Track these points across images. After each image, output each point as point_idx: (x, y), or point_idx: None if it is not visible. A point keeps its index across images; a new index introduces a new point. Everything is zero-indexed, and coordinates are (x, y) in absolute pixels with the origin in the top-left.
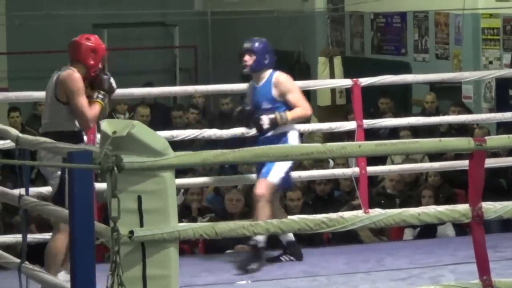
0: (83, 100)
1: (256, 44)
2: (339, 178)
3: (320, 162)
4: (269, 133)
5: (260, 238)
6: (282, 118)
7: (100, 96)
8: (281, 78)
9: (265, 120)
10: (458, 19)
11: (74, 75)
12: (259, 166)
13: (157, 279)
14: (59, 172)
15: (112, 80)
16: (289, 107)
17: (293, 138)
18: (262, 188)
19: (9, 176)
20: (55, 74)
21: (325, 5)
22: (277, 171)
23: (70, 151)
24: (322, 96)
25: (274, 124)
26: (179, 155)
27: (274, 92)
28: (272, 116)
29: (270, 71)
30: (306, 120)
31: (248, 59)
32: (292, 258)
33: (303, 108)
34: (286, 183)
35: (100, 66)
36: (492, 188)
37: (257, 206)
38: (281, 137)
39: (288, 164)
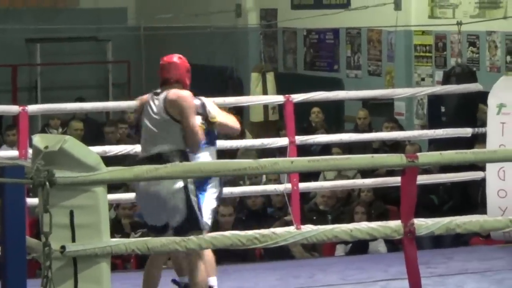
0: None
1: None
2: (271, 194)
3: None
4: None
5: (213, 282)
6: None
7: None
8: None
9: None
10: (391, 36)
11: (185, 94)
12: None
13: None
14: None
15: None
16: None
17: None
18: None
19: None
20: (154, 96)
21: (258, 21)
22: None
23: (1, 165)
24: (255, 112)
25: None
26: (111, 170)
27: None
28: None
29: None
30: (240, 135)
31: None
32: None
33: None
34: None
35: None
36: (423, 205)
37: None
38: None
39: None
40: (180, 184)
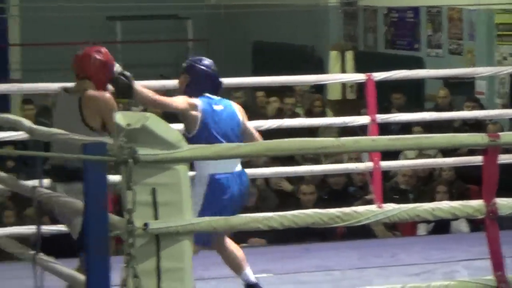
0: None
1: (189, 64)
2: (352, 173)
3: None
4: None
5: (249, 277)
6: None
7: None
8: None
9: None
10: (472, 15)
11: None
12: None
13: (171, 272)
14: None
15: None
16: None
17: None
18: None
19: (22, 168)
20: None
21: (339, 0)
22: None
23: (84, 143)
24: (332, 90)
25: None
26: (192, 148)
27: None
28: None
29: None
30: (321, 113)
31: (180, 80)
32: None
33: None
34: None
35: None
36: (505, 184)
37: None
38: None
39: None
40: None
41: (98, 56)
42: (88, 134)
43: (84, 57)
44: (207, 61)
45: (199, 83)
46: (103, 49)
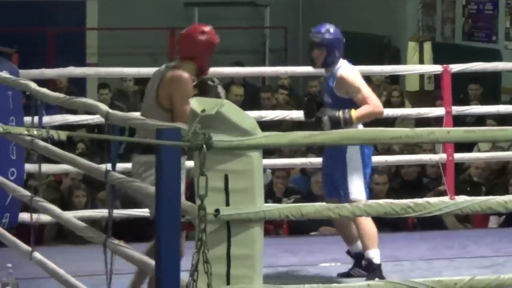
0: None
1: (326, 37)
2: (426, 164)
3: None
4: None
5: (373, 254)
6: (345, 119)
7: None
8: (344, 74)
9: (326, 122)
10: None
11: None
12: (329, 186)
13: (241, 258)
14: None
15: (220, 89)
16: (356, 104)
17: (353, 148)
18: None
19: (97, 152)
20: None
21: None
22: (355, 187)
23: (158, 127)
24: (410, 81)
25: (336, 125)
26: (267, 135)
27: (337, 89)
28: (335, 116)
29: (338, 63)
30: (400, 104)
31: (318, 55)
32: (363, 272)
33: (372, 105)
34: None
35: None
36: None
37: (358, 229)
38: (340, 149)
39: (359, 174)
40: None
41: (202, 37)
42: (160, 114)
43: (189, 37)
44: (333, 28)
45: (337, 51)
46: (207, 29)
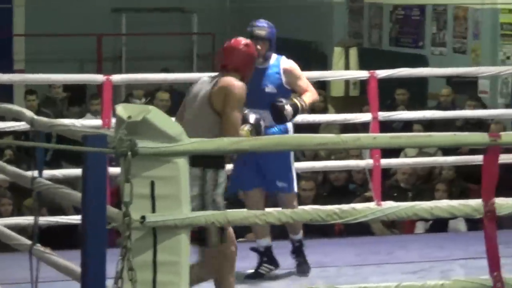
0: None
1: (269, 31)
2: (352, 170)
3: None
4: (274, 128)
5: (262, 243)
6: (302, 106)
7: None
8: (292, 64)
9: (289, 111)
10: (477, 14)
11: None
12: (266, 177)
13: (167, 265)
14: None
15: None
16: (294, 92)
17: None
18: (294, 204)
19: (23, 158)
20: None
21: None
22: (295, 181)
23: (84, 134)
24: (335, 87)
25: (296, 112)
26: (193, 141)
27: (285, 79)
28: (294, 104)
29: (274, 55)
30: (323, 110)
31: (261, 47)
32: (271, 267)
33: (314, 92)
34: None
35: None
36: (505, 184)
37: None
38: (284, 131)
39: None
40: None
41: (246, 49)
42: (211, 115)
43: (233, 50)
44: (270, 23)
45: (274, 44)
46: (249, 41)
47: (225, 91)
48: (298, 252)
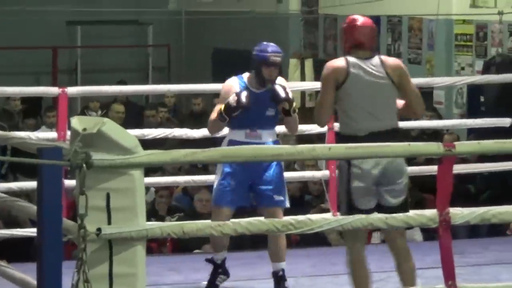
0: None
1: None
2: (308, 181)
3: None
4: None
5: (220, 256)
6: (295, 110)
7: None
8: (286, 83)
9: (279, 88)
10: (432, 25)
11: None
12: (263, 193)
13: (123, 277)
14: None
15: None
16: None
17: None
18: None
19: None
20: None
21: (299, 7)
22: (287, 195)
23: (39, 147)
24: None
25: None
26: (148, 153)
27: None
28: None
29: None
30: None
31: (275, 73)
32: (225, 277)
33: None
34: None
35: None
36: (460, 194)
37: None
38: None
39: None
40: None
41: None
42: (395, 91)
43: (374, 29)
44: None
45: None
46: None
47: (401, 69)
48: (282, 282)
